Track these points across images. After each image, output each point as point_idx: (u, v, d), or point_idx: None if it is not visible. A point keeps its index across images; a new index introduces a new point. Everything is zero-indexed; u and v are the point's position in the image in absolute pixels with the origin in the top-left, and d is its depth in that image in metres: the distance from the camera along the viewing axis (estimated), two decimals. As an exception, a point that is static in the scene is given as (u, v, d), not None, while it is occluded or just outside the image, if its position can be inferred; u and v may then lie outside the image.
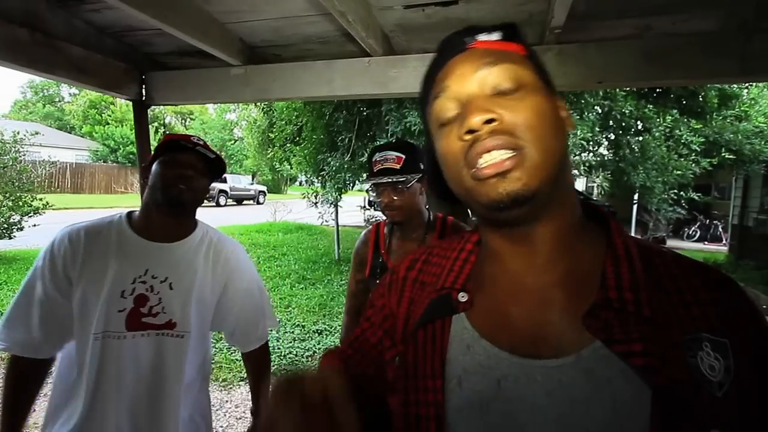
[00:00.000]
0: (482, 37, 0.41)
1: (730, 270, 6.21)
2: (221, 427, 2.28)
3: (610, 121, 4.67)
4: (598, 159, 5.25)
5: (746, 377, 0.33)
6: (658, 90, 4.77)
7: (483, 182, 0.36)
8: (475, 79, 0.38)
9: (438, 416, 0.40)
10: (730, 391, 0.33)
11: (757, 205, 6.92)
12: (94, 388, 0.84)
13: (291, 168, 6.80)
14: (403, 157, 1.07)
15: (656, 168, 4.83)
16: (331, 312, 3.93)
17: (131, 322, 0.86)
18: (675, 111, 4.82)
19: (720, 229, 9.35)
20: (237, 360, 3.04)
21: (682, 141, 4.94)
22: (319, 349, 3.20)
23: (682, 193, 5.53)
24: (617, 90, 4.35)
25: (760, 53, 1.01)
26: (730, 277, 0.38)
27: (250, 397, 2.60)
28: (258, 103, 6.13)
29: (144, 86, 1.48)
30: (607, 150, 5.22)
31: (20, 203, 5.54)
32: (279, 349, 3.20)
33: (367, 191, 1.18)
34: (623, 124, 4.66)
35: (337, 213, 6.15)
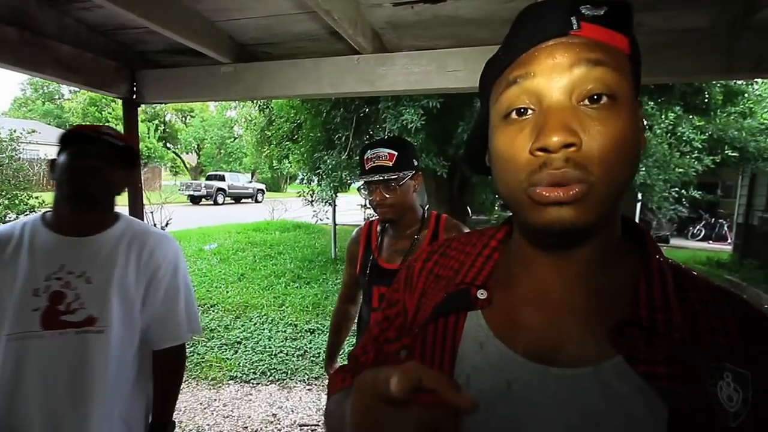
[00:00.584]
0: (589, 14, 0.33)
1: (733, 269, 6.19)
2: (208, 425, 2.30)
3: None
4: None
5: (763, 411, 0.33)
6: (660, 86, 4.76)
7: (539, 206, 0.34)
8: (566, 78, 0.33)
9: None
10: (745, 423, 0.32)
11: (762, 203, 6.85)
12: (13, 390, 0.83)
13: (290, 166, 6.82)
14: (395, 154, 1.07)
15: (658, 166, 4.81)
16: (324, 311, 3.96)
17: (47, 321, 0.84)
18: (678, 108, 4.81)
19: (725, 228, 9.27)
20: (226, 359, 3.07)
21: (685, 138, 4.93)
22: (310, 348, 3.23)
23: (684, 191, 5.52)
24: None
25: (746, 50, 1.01)
26: (761, 310, 0.37)
27: (239, 396, 2.65)
28: (256, 101, 6.15)
29: (134, 84, 1.50)
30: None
31: (16, 201, 5.58)
32: (270, 347, 3.23)
33: (359, 189, 1.17)
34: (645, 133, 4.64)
35: (334, 211, 6.17)
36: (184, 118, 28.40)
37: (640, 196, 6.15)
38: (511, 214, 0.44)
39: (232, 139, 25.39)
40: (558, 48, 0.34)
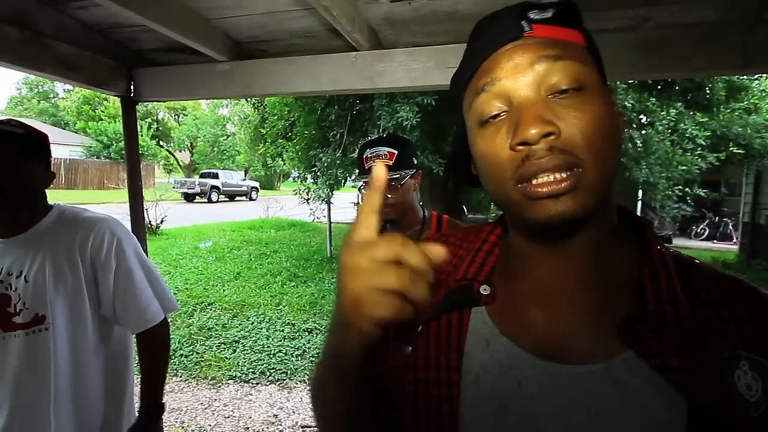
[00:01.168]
0: (537, 17, 0.36)
1: (740, 270, 6.19)
2: (209, 425, 2.33)
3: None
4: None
5: None
6: (661, 83, 4.79)
7: (534, 201, 0.34)
8: (530, 76, 0.35)
9: (451, 411, 0.39)
10: (767, 412, 0.32)
11: None
12: None
13: (284, 163, 6.84)
14: (396, 152, 1.06)
15: (660, 163, 4.81)
16: (321, 310, 4.00)
17: (1, 324, 0.87)
18: (679, 104, 4.83)
19: (730, 227, 9.13)
20: (225, 358, 3.12)
21: (687, 135, 4.93)
22: (309, 347, 3.28)
23: (687, 189, 5.50)
24: (617, 82, 4.37)
25: (762, 44, 1.00)
26: (767, 294, 0.37)
27: (239, 396, 2.69)
28: (249, 99, 6.16)
29: (132, 82, 1.53)
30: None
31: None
32: (269, 347, 3.27)
33: (359, 189, 1.16)
34: (624, 118, 4.66)
35: (329, 209, 6.20)
36: (176, 117, 28.50)
37: (641, 194, 6.16)
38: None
39: (225, 137, 25.44)
40: (515, 50, 0.36)
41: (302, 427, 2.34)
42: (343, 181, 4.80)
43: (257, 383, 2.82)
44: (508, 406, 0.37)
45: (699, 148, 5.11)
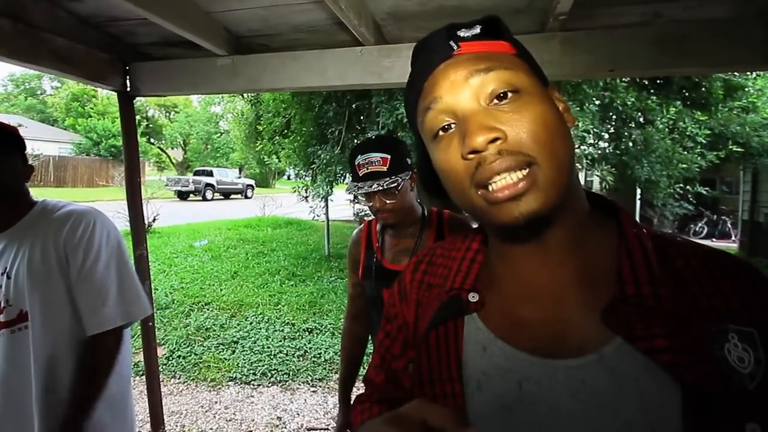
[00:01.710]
0: (465, 35, 0.39)
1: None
2: (211, 429, 2.30)
3: (611, 113, 4.71)
4: (600, 152, 5.29)
5: None
6: (659, 81, 4.81)
7: (496, 205, 0.35)
8: (468, 90, 0.37)
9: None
10: (764, 383, 0.32)
11: (767, 199, 6.91)
12: None
13: (279, 161, 6.80)
14: (389, 157, 1.03)
15: (660, 161, 4.85)
16: (321, 310, 3.98)
17: None
18: (678, 102, 4.87)
19: (729, 225, 9.15)
20: (224, 359, 3.09)
21: (687, 133, 4.96)
22: (310, 348, 3.26)
23: (688, 187, 5.55)
24: (618, 80, 4.39)
25: None
26: (752, 265, 0.37)
27: (240, 398, 2.67)
28: (245, 96, 6.10)
29: (128, 77, 1.50)
30: (608, 143, 5.26)
31: None
32: (269, 348, 3.25)
33: (355, 196, 1.15)
34: (624, 116, 4.71)
35: (327, 207, 6.18)
36: (167, 114, 28.16)
37: (640, 193, 6.21)
38: None
39: (219, 135, 25.27)
40: (448, 68, 0.38)
41: (308, 429, 2.31)
42: (341, 178, 4.78)
43: (258, 385, 2.78)
44: (511, 408, 0.38)
45: (698, 147, 5.16)
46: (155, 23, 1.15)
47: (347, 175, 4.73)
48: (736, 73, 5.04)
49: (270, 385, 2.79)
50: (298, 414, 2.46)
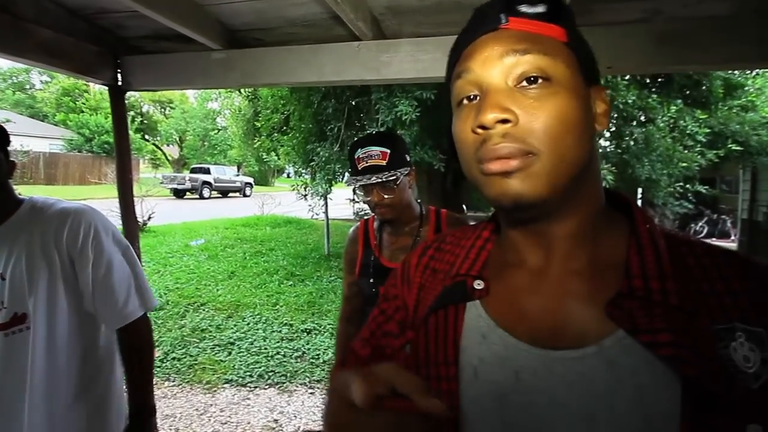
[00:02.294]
0: (522, 11, 0.38)
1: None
2: (206, 432, 2.29)
3: (612, 111, 4.71)
4: (601, 150, 5.30)
5: None
6: (660, 79, 4.81)
7: (489, 177, 0.37)
8: (499, 67, 0.37)
9: (452, 406, 0.40)
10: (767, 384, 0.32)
11: (766, 198, 6.89)
12: None
13: (278, 159, 6.76)
14: (388, 151, 1.04)
15: (661, 160, 4.86)
16: (320, 310, 3.95)
17: None
18: (679, 101, 4.87)
19: (728, 224, 9.23)
20: (220, 361, 3.06)
21: (687, 132, 4.98)
22: (309, 349, 3.23)
23: (688, 186, 5.58)
24: (618, 78, 4.38)
25: None
26: (765, 265, 0.37)
27: (236, 400, 2.64)
28: (242, 92, 6.06)
29: (120, 71, 1.47)
30: (609, 141, 5.27)
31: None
32: (266, 349, 3.22)
33: (354, 191, 1.14)
34: (625, 114, 4.71)
35: (326, 206, 6.14)
36: (163, 110, 27.88)
37: (640, 192, 6.23)
38: None
39: (216, 131, 25.08)
40: (489, 41, 0.38)
41: (305, 432, 2.30)
42: (341, 176, 4.75)
43: (255, 387, 2.76)
44: (507, 397, 0.38)
45: (698, 145, 5.18)
46: (147, 15, 1.12)
47: (347, 173, 4.70)
48: (736, 72, 5.05)
49: (267, 387, 2.76)
50: (295, 416, 2.44)
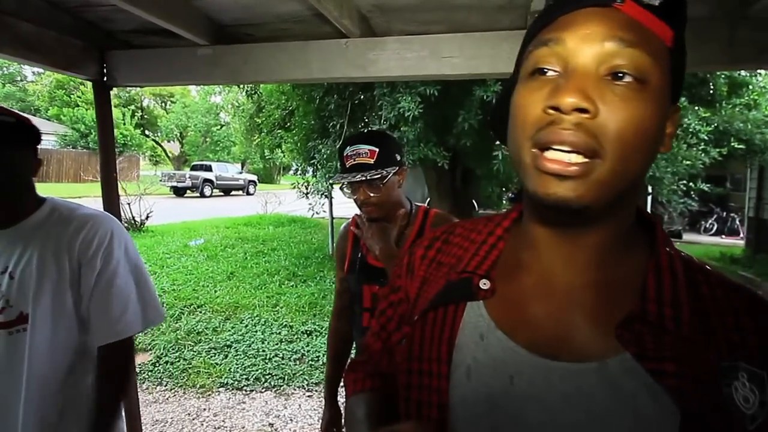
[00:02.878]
0: None
1: (746, 265, 6.25)
2: (199, 436, 2.26)
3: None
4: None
5: None
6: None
7: (539, 172, 0.34)
8: (597, 49, 0.33)
9: (440, 404, 0.40)
10: (763, 427, 0.32)
11: None
12: None
13: (283, 155, 6.71)
14: (377, 150, 1.05)
15: (665, 158, 4.82)
16: (321, 311, 3.90)
17: None
18: (683, 99, 4.81)
19: (737, 222, 9.34)
20: (216, 364, 3.03)
21: (691, 130, 4.95)
22: (308, 351, 3.20)
23: (692, 184, 5.56)
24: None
25: (747, 41, 1.05)
26: None
27: (231, 404, 2.61)
28: (244, 87, 6.02)
29: (105, 66, 1.43)
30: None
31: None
32: (264, 351, 3.19)
33: (341, 188, 1.14)
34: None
35: (331, 204, 6.10)
36: (163, 104, 27.59)
37: (650, 189, 6.18)
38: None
39: (219, 127, 24.93)
40: (595, 17, 0.34)
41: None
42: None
43: (251, 390, 2.72)
44: (498, 401, 0.38)
45: (702, 143, 5.15)
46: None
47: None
48: (735, 72, 5.00)
49: (263, 390, 2.73)
50: (291, 420, 2.41)
